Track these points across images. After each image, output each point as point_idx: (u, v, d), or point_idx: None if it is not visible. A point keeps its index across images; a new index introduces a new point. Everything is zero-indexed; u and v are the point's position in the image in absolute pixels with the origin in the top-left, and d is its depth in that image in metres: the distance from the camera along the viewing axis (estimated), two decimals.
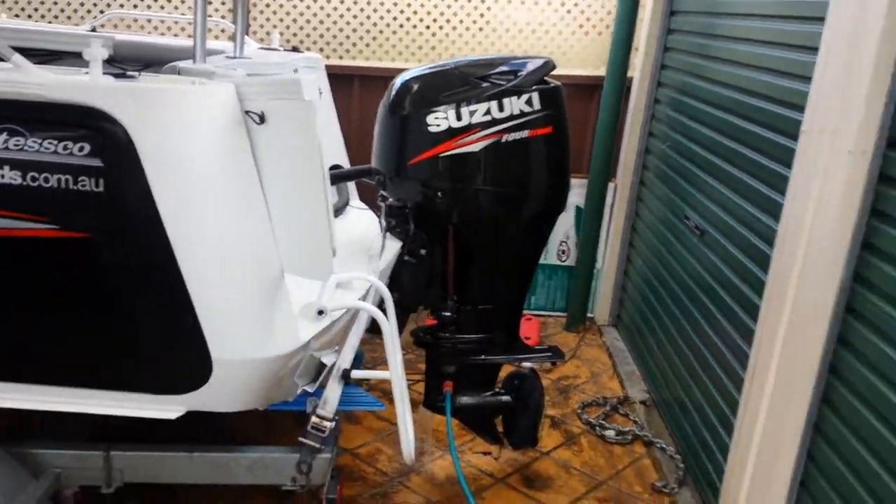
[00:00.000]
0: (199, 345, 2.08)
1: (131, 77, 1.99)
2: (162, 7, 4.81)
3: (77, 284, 2.03)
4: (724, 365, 2.92)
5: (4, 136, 1.89)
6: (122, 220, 1.96)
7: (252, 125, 2.10)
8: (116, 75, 1.96)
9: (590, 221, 4.51)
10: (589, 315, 4.76)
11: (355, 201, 3.59)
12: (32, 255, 1.99)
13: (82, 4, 4.80)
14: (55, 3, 4.79)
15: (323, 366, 2.49)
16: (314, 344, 2.34)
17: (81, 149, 1.89)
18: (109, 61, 3.81)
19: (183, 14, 4.76)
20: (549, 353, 3.06)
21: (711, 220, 3.19)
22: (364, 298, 2.56)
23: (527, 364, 3.18)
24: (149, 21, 4.83)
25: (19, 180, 1.91)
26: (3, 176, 1.91)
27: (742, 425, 2.54)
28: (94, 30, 3.86)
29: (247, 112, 2.09)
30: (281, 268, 2.22)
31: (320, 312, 2.27)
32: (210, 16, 4.88)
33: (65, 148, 1.89)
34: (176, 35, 4.78)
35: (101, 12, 4.72)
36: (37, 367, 2.12)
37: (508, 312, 2.99)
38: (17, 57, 1.88)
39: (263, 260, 2.17)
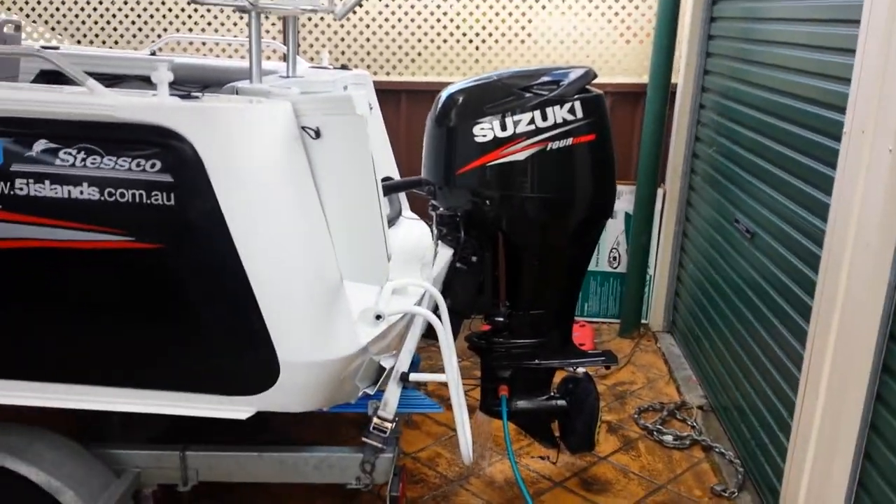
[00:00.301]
0: (267, 348, 2.18)
1: (196, 97, 2.11)
2: (216, 30, 5.00)
3: (152, 292, 2.15)
4: (779, 367, 2.93)
5: (82, 154, 2.02)
6: (193, 231, 2.08)
7: (308, 140, 2.21)
8: (182, 96, 2.08)
9: (640, 227, 4.54)
10: (643, 321, 4.78)
11: (407, 212, 3.69)
12: (111, 265, 2.12)
13: (140, 30, 5.01)
14: (115, 30, 5.01)
15: (382, 369, 2.58)
16: (373, 348, 2.43)
17: (153, 165, 2.02)
18: (169, 83, 4.04)
19: (235, 37, 4.94)
20: (603, 358, 3.10)
21: (761, 223, 3.20)
22: (419, 304, 2.64)
23: (581, 368, 3.22)
24: (203, 44, 5.02)
25: (97, 196, 2.05)
26: (82, 192, 2.04)
27: (799, 427, 2.55)
28: (153, 53, 4.06)
29: (303, 128, 2.20)
30: (340, 274, 2.32)
31: (378, 317, 2.37)
32: (262, 38, 5.10)
33: (138, 165, 2.02)
34: (230, 57, 4.96)
35: (159, 36, 4.93)
36: (116, 370, 2.25)
37: (560, 317, 3.04)
38: (91, 81, 2.02)
39: (323, 267, 2.27)
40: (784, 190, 3.00)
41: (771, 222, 3.09)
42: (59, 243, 2.08)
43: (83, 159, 2.03)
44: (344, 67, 3.78)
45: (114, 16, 5.01)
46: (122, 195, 2.04)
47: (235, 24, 5.03)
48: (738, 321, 3.42)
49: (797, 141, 2.90)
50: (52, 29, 5.06)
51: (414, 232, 3.44)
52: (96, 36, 5.05)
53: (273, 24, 4.97)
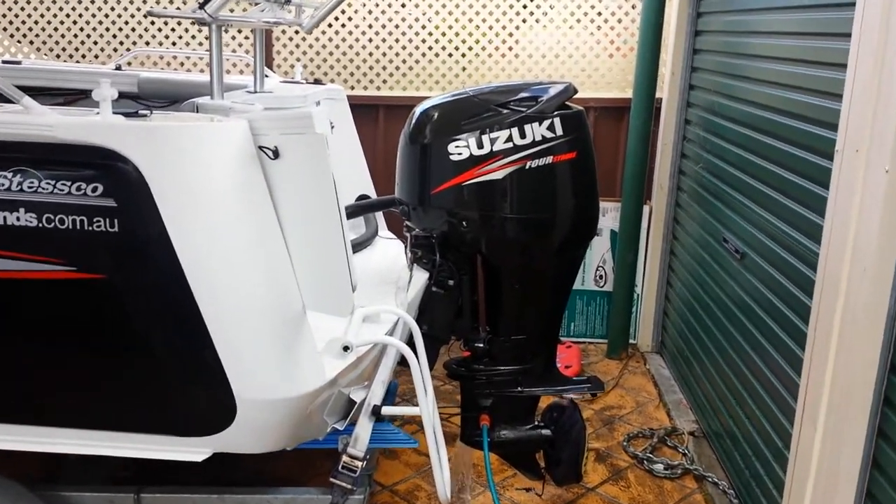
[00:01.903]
0: (222, 385, 2.03)
1: (143, 116, 1.96)
2: (187, 43, 4.84)
3: (96, 326, 2.00)
4: (773, 394, 2.79)
5: (18, 178, 1.86)
6: (138, 259, 1.93)
7: (266, 161, 2.06)
8: (127, 114, 1.93)
9: (626, 245, 4.40)
10: (631, 341, 4.62)
11: (384, 231, 3.54)
12: (50, 298, 1.96)
13: (109, 43, 4.85)
14: (82, 43, 4.85)
15: (353, 402, 2.42)
16: (342, 380, 2.27)
17: (95, 189, 1.86)
18: (134, 98, 3.88)
19: (208, 51, 4.78)
20: (589, 385, 2.95)
21: (751, 243, 3.07)
22: (392, 332, 2.49)
23: (566, 395, 3.07)
24: (174, 58, 4.87)
25: (35, 222, 1.89)
26: (18, 218, 1.88)
27: (796, 460, 2.40)
28: (119, 68, 3.90)
29: (260, 147, 2.05)
30: (303, 304, 2.16)
31: (346, 348, 2.22)
32: (234, 51, 4.95)
33: (78, 189, 1.86)
34: (202, 71, 4.81)
35: (128, 50, 4.77)
36: (61, 410, 2.09)
37: (543, 342, 2.89)
38: (27, 99, 1.87)
39: (284, 296, 2.12)
40: (774, 209, 2.87)
41: (761, 243, 2.96)
42: None
43: (19, 183, 1.87)
44: (317, 82, 3.65)
45: (94, 29, 4.85)
46: (62, 221, 1.88)
47: (207, 38, 4.88)
48: (728, 344, 3.29)
49: (786, 158, 2.78)
50: (38, 49, 4.89)
51: (389, 253, 3.30)
52: (63, 49, 4.88)
53: (246, 38, 4.82)
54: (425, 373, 2.37)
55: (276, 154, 2.05)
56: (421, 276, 2.80)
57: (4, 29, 4.85)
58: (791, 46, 2.83)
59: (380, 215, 3.51)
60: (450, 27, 4.65)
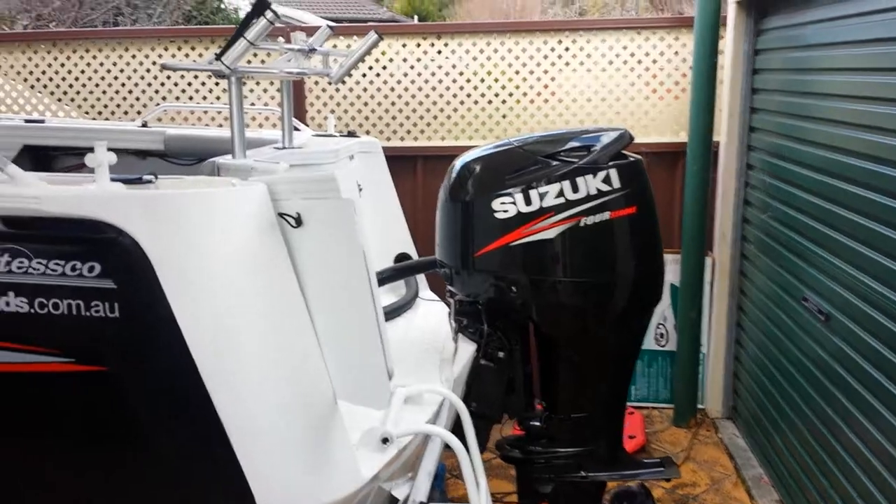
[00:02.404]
0: (242, 492, 1.74)
1: (147, 182, 1.72)
2: (217, 97, 4.69)
3: (97, 426, 1.74)
4: (869, 472, 2.44)
5: (6, 257, 1.63)
6: (143, 349, 1.68)
7: (288, 229, 1.80)
8: (127, 181, 1.69)
9: (688, 300, 4.05)
10: (699, 406, 4.21)
11: (426, 292, 3.27)
12: (45, 393, 1.71)
13: (138, 99, 4.72)
14: (111, 100, 4.73)
15: (395, 499, 2.12)
16: (381, 474, 1.98)
17: (91, 269, 1.62)
18: (161, 156, 3.71)
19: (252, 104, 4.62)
20: (661, 468, 2.60)
21: (835, 302, 2.74)
22: (437, 415, 2.21)
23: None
24: (205, 113, 4.72)
25: (26, 308, 1.65)
26: (7, 303, 1.65)
27: None
28: (145, 124, 3.74)
29: (280, 214, 1.80)
30: (333, 392, 1.88)
31: (385, 440, 1.93)
32: (266, 103, 4.79)
33: (73, 269, 1.63)
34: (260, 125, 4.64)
35: (157, 105, 4.63)
36: None
37: (608, 420, 2.57)
38: (12, 167, 1.64)
39: (311, 385, 1.85)
40: (860, 264, 2.55)
41: (848, 302, 2.63)
42: None
43: (7, 263, 1.63)
44: (351, 134, 3.44)
45: (123, 85, 4.73)
46: (56, 306, 1.64)
47: (252, 91, 4.72)
48: (813, 413, 2.93)
49: (868, 206, 2.48)
50: (79, 106, 4.79)
51: (432, 317, 3.02)
52: (91, 106, 4.76)
53: (279, 90, 4.65)
54: (477, 464, 2.07)
55: (298, 222, 1.79)
56: (467, 348, 2.53)
57: (64, 93, 4.76)
58: (862, 83, 2.57)
59: (421, 275, 3.25)
60: (489, 73, 4.43)
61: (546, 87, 4.38)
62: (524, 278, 2.37)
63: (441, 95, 4.45)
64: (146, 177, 1.74)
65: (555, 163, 2.36)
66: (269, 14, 2.22)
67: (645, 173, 2.44)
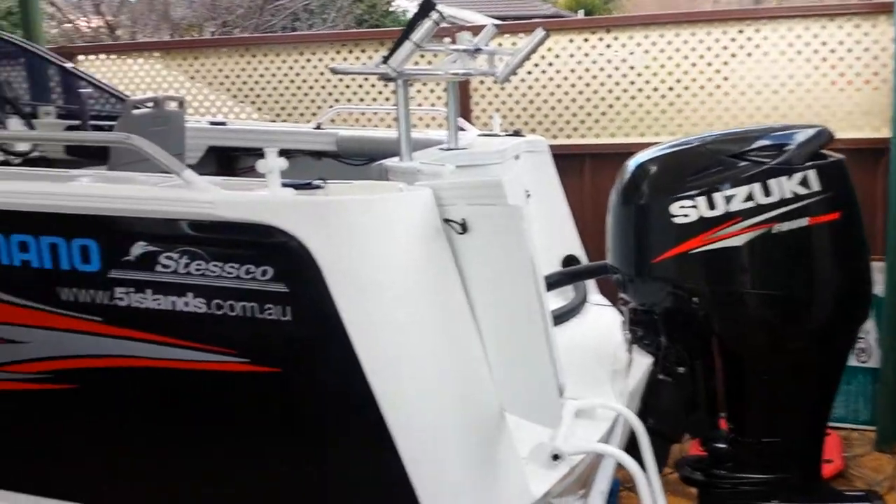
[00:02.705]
0: (407, 499, 1.70)
1: (316, 188, 1.71)
2: (387, 99, 4.75)
3: (268, 427, 1.76)
4: None
5: (185, 259, 1.68)
6: (313, 354, 1.67)
7: (454, 236, 1.74)
8: (297, 186, 1.69)
9: (893, 313, 3.66)
10: None
11: (595, 296, 3.13)
12: (219, 391, 1.75)
13: (313, 101, 4.87)
14: (288, 102, 4.91)
15: None
16: (553, 491, 1.89)
17: (264, 273, 1.64)
18: (335, 156, 3.80)
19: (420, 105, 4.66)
20: (865, 502, 2.33)
21: None
22: (611, 431, 2.08)
23: None
24: (375, 114, 4.80)
25: (204, 308, 1.69)
26: (186, 304, 1.69)
27: None
28: (318, 126, 3.85)
29: (446, 220, 1.74)
30: (500, 405, 1.80)
31: (555, 457, 1.83)
32: (433, 104, 4.80)
33: (247, 272, 1.65)
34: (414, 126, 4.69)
35: (331, 107, 4.76)
36: None
37: (804, 446, 2.33)
38: (188, 172, 1.69)
39: (478, 395, 1.78)
40: None
41: None
42: (164, 363, 1.73)
43: (186, 265, 1.68)
44: (516, 133, 3.36)
45: (299, 88, 4.92)
46: (232, 308, 1.67)
47: (419, 92, 4.76)
48: None
49: None
50: (259, 108, 5.05)
51: (602, 324, 2.87)
52: (270, 109, 4.97)
53: (445, 90, 4.65)
54: (655, 486, 1.93)
55: (464, 228, 1.73)
56: (642, 360, 2.38)
57: (246, 96, 5.03)
58: None
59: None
60: (661, 66, 4.20)
61: (726, 79, 4.09)
62: (706, 289, 2.20)
63: (610, 91, 4.27)
64: (316, 182, 1.73)
65: (742, 163, 2.16)
66: (434, 15, 2.18)
67: (849, 175, 2.20)
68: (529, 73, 4.37)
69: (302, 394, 1.70)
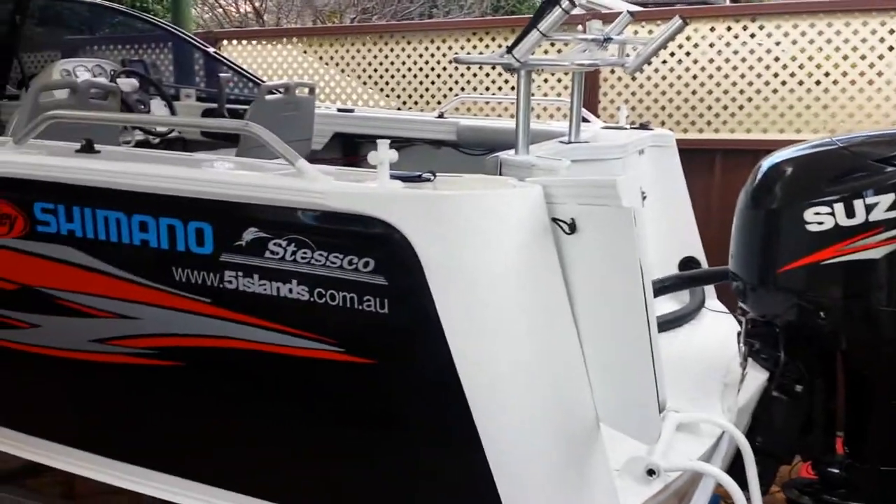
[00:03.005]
0: (492, 500, 1.67)
1: (425, 181, 1.69)
2: (512, 88, 4.69)
3: (358, 417, 1.77)
4: None
5: (292, 247, 1.70)
6: (406, 349, 1.66)
7: (561, 236, 1.68)
8: (407, 179, 1.68)
9: None
10: None
11: (712, 301, 2.98)
12: (319, 378, 1.77)
13: (441, 89, 4.89)
14: (415, 90, 4.95)
15: None
16: None
17: (366, 265, 1.64)
18: (454, 146, 3.79)
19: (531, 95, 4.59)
20: None
21: None
22: (715, 448, 1.97)
23: None
24: (499, 103, 4.76)
25: (307, 296, 1.71)
26: (290, 290, 1.72)
27: None
28: (441, 115, 3.85)
29: (554, 219, 1.68)
30: (595, 414, 1.73)
31: (651, 472, 1.75)
32: (559, 94, 4.70)
33: (350, 263, 1.65)
34: (537, 116, 4.63)
35: (456, 95, 4.75)
36: (309, 497, 1.89)
37: None
38: (301, 162, 1.71)
39: (572, 402, 1.72)
40: None
41: None
42: (265, 347, 1.77)
43: (293, 253, 1.70)
44: (643, 126, 3.23)
45: (426, 76, 4.96)
46: (333, 298, 1.68)
47: (546, 81, 4.68)
48: None
49: None
50: (387, 96, 5.14)
51: (718, 332, 2.73)
52: (398, 96, 5.03)
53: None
54: None
55: (572, 228, 1.66)
56: (757, 375, 2.24)
57: (375, 83, 5.14)
58: None
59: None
60: (809, 58, 3.91)
61: (880, 74, 3.77)
62: (836, 303, 2.05)
63: (750, 83, 4.02)
64: (425, 174, 1.71)
65: (889, 168, 1.99)
66: (564, 3, 2.09)
67: None
68: (664, 62, 4.19)
69: (394, 386, 1.70)
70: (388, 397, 1.70)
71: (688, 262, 2.87)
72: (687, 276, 2.71)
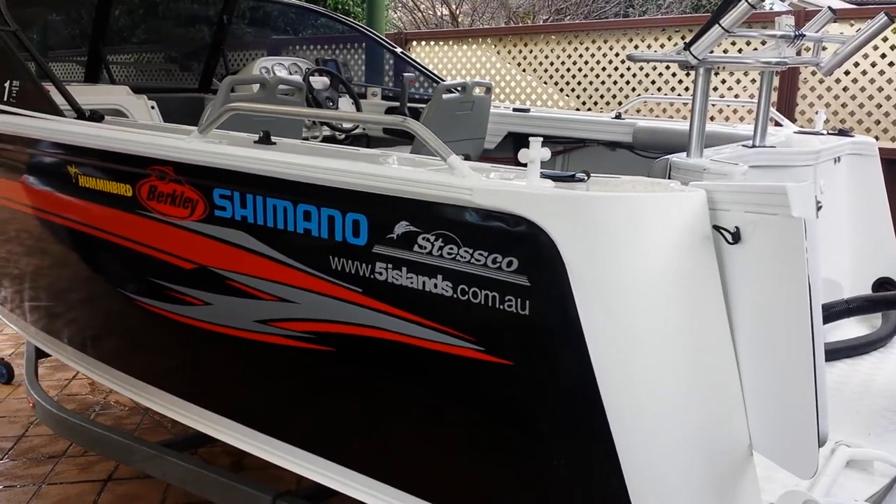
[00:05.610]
0: None
1: (578, 181, 1.63)
2: (687, 88, 4.47)
3: (496, 415, 1.73)
4: None
5: (440, 242, 1.70)
6: (544, 353, 1.60)
7: (722, 244, 1.55)
8: (558, 178, 1.62)
9: None
10: None
11: None
12: (456, 375, 1.76)
13: (622, 90, 4.75)
14: (596, 90, 4.84)
15: None
16: None
17: (510, 264, 1.60)
18: (629, 148, 3.66)
19: (720, 97, 4.34)
20: None
21: None
22: (889, 490, 1.76)
23: None
24: (685, 105, 4.55)
25: (450, 292, 1.70)
26: (436, 285, 1.72)
27: None
28: (618, 116, 3.73)
29: (716, 227, 1.55)
30: (749, 441, 1.59)
31: None
32: (752, 95, 4.41)
33: (494, 262, 1.62)
34: (712, 119, 4.39)
35: (639, 95, 4.60)
36: (434, 487, 1.89)
37: None
38: (453, 158, 1.69)
39: (723, 427, 1.58)
40: None
41: None
42: (409, 339, 1.79)
43: (440, 248, 1.70)
44: (843, 133, 2.96)
45: (610, 75, 4.84)
46: (475, 295, 1.66)
47: (738, 82, 4.42)
48: None
49: None
50: (567, 95, 5.10)
51: None
52: (577, 96, 4.94)
53: None
54: None
55: (735, 237, 1.53)
56: None
57: (556, 83, 5.12)
58: None
59: None
60: None
61: None
62: None
63: None
64: (579, 174, 1.65)
65: None
66: None
67: None
68: (874, 64, 3.82)
69: (530, 389, 1.64)
70: (524, 400, 1.65)
71: (883, 283, 2.58)
72: (877, 299, 2.43)
